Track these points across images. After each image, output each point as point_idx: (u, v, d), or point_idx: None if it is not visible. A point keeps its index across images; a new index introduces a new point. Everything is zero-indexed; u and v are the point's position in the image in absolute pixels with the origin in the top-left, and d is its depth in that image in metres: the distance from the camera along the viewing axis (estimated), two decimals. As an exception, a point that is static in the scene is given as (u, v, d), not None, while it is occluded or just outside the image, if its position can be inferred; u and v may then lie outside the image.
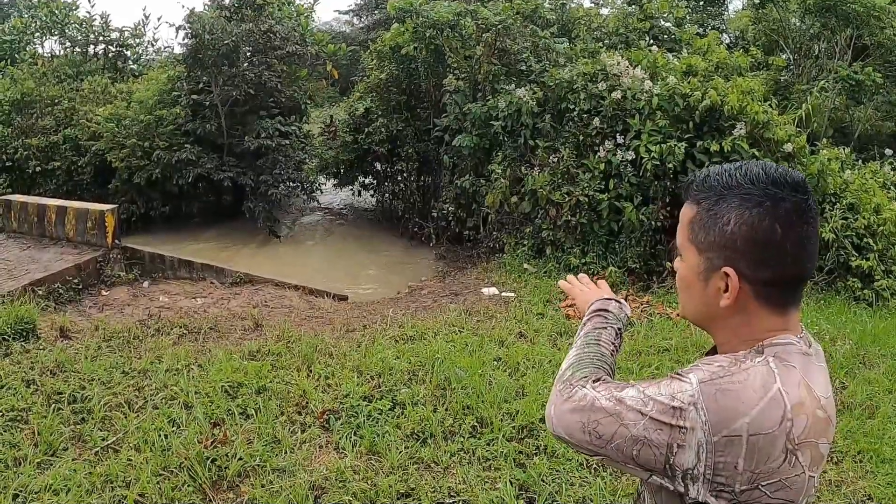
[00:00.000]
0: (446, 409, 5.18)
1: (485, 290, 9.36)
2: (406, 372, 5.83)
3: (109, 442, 4.71)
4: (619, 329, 1.83)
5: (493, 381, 5.67)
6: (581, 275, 2.18)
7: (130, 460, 4.43)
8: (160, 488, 4.16)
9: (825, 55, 15.29)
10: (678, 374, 1.40)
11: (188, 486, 4.19)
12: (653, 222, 9.92)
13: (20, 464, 4.42)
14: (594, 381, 1.55)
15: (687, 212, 1.54)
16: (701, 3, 21.17)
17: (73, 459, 4.49)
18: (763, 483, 1.32)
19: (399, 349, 6.42)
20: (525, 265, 10.29)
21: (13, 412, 5.04)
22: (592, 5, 17.88)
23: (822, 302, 8.87)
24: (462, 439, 4.80)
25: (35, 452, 4.53)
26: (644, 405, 1.39)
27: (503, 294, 9.11)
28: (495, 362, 6.18)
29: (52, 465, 4.43)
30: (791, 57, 15.79)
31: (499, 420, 5.00)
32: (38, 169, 15.82)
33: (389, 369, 5.83)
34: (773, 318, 1.46)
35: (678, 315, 8.02)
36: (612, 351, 1.76)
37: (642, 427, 1.37)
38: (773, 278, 1.43)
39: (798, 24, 15.97)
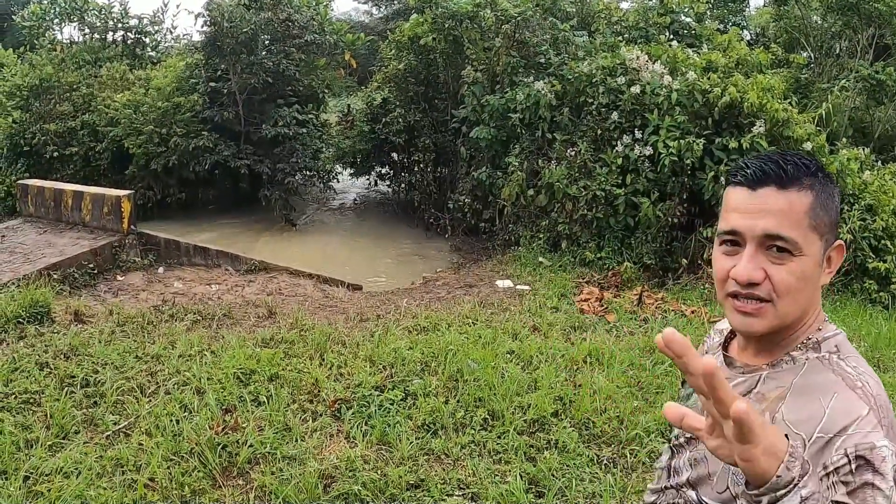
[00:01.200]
0: (458, 401, 5.16)
1: (499, 283, 9.33)
2: (419, 363, 5.81)
3: (121, 426, 4.72)
4: None
5: (506, 373, 5.64)
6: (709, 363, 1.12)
7: (141, 445, 4.43)
8: (170, 473, 4.16)
9: (846, 54, 15.13)
10: (862, 455, 1.22)
11: (198, 471, 4.19)
12: (669, 218, 9.86)
13: (32, 446, 4.44)
14: None
15: (798, 201, 1.41)
16: (722, -1, 21.01)
17: (84, 443, 4.50)
18: None
19: (412, 340, 6.40)
20: (540, 258, 10.24)
21: (26, 395, 5.06)
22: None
23: (838, 304, 8.78)
24: (473, 432, 4.78)
25: (47, 435, 4.54)
26: None
27: (518, 287, 9.08)
28: (508, 355, 6.15)
29: (63, 447, 4.44)
30: (812, 55, 15.64)
31: (510, 413, 4.97)
32: (55, 154, 15.87)
33: (402, 360, 5.81)
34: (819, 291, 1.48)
35: (692, 312, 7.97)
36: None
37: None
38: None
39: (819, 22, 15.80)
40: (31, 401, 5.02)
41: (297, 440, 4.57)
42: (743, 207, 1.42)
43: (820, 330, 1.44)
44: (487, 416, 4.98)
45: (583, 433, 4.91)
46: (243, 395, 5.09)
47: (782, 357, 1.43)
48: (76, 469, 4.17)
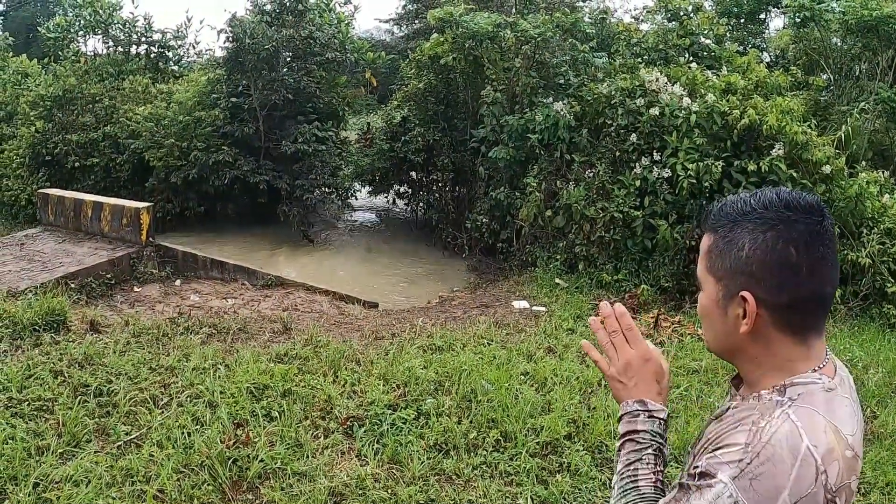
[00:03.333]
0: (471, 422, 5.12)
1: (515, 304, 9.29)
2: (432, 382, 5.78)
3: (132, 436, 4.72)
4: (659, 446, 1.63)
5: (520, 395, 5.60)
6: (607, 308, 1.75)
7: (152, 456, 4.42)
8: (180, 485, 4.14)
9: (866, 76, 15.04)
10: (702, 480, 1.35)
11: (208, 485, 4.17)
12: (687, 241, 9.79)
13: (43, 453, 4.44)
14: None
15: (705, 241, 1.53)
16: (742, 21, 20.95)
17: (95, 452, 4.49)
18: None
19: (426, 359, 6.37)
20: (557, 280, 10.20)
21: (39, 402, 5.07)
22: (632, 20, 17.78)
23: (856, 328, 8.68)
24: (485, 453, 4.74)
25: (58, 443, 4.55)
26: None
27: (534, 308, 9.04)
28: (522, 376, 6.11)
29: (74, 456, 4.44)
30: (831, 77, 15.56)
31: (523, 435, 4.93)
32: (76, 165, 16.01)
33: (416, 379, 5.78)
34: (794, 346, 1.45)
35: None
36: (655, 481, 1.60)
37: None
38: (791, 302, 1.42)
39: (839, 44, 15.73)
40: (44, 408, 5.03)
41: (307, 457, 4.54)
42: None
43: (802, 376, 1.43)
44: (500, 438, 4.94)
45: (595, 456, 4.86)
46: (256, 409, 5.07)
47: (754, 393, 1.47)
48: (86, 478, 4.16)
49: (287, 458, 4.47)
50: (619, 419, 1.68)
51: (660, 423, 1.64)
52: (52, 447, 4.47)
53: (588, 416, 5.31)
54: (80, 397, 5.20)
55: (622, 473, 1.62)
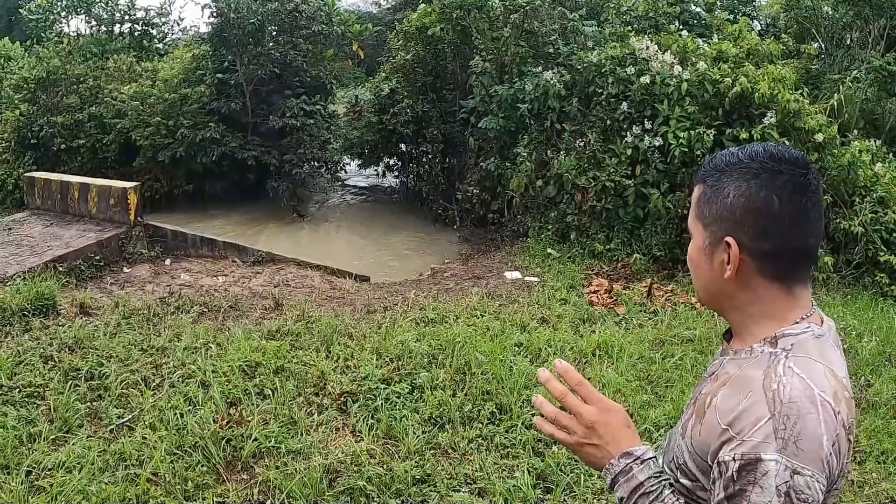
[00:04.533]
0: (465, 395, 5.10)
1: (508, 274, 9.26)
2: (426, 355, 5.75)
3: (125, 420, 4.69)
4: (668, 481, 1.53)
5: (514, 366, 5.57)
6: (561, 365, 1.60)
7: (145, 439, 4.39)
8: (174, 467, 4.11)
9: (857, 45, 14.95)
10: (750, 473, 1.31)
11: (202, 465, 4.15)
12: (679, 210, 9.74)
13: (35, 440, 4.40)
14: None
15: (695, 192, 1.58)
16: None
17: (87, 437, 4.46)
18: (840, 472, 1.37)
19: (420, 332, 6.34)
20: (549, 250, 10.16)
21: (30, 388, 5.03)
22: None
23: (849, 297, 8.66)
24: (480, 426, 4.72)
25: (50, 429, 4.51)
26: None
27: (526, 278, 9.01)
28: (516, 348, 6.09)
29: (66, 442, 4.41)
30: (823, 46, 15.46)
31: (518, 407, 4.91)
32: (62, 147, 15.84)
33: (409, 352, 5.75)
34: (780, 294, 1.48)
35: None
36: None
37: None
38: (774, 250, 1.45)
39: (830, 12, 15.61)
40: (35, 394, 4.99)
41: (302, 434, 4.52)
42: None
43: (792, 327, 1.46)
44: (495, 410, 4.92)
45: (592, 427, 4.83)
46: (248, 388, 5.04)
47: (746, 347, 1.50)
48: (79, 464, 4.13)
49: (281, 437, 4.44)
50: (612, 486, 1.54)
51: (654, 462, 1.54)
52: (44, 434, 4.44)
53: (583, 387, 5.29)
54: (71, 382, 5.16)
55: None
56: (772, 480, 1.28)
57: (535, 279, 8.96)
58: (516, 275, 9.23)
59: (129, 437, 4.45)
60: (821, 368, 1.38)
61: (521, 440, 4.56)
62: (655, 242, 9.77)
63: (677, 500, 1.49)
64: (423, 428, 4.66)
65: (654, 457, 1.55)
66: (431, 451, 4.43)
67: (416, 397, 5.06)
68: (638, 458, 1.51)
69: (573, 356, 5.98)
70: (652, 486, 1.49)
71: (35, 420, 4.62)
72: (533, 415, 4.80)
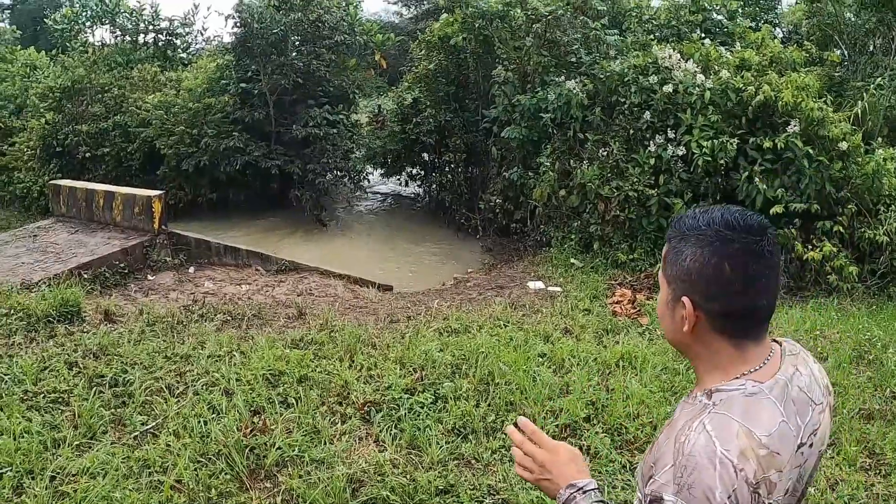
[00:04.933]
0: (489, 405, 5.07)
1: (530, 284, 9.22)
2: (449, 365, 5.72)
3: (149, 427, 4.69)
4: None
5: (538, 377, 5.53)
6: (524, 421, 1.96)
7: (169, 446, 4.39)
8: (197, 475, 4.11)
9: (880, 51, 14.81)
10: (655, 499, 1.52)
11: (226, 473, 4.14)
12: (703, 219, 9.64)
13: (59, 445, 4.42)
14: None
15: (665, 248, 1.71)
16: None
17: (111, 443, 4.47)
18: None
19: (443, 342, 6.32)
20: (572, 259, 10.11)
21: (55, 394, 5.05)
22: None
23: (874, 307, 8.54)
24: (504, 436, 4.68)
25: (74, 435, 4.52)
26: None
27: (549, 288, 8.97)
28: (540, 358, 6.04)
29: (90, 447, 4.42)
30: (846, 53, 15.31)
31: (542, 418, 4.87)
32: (87, 155, 16.03)
33: (432, 362, 5.72)
34: (730, 349, 1.62)
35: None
36: None
37: None
38: (723, 311, 1.59)
39: (853, 19, 15.48)
40: (60, 400, 5.01)
41: (325, 443, 4.50)
42: None
43: (730, 382, 1.60)
44: (519, 421, 4.88)
45: (615, 439, 4.80)
46: (272, 396, 5.04)
47: (695, 393, 1.66)
48: (103, 469, 4.14)
49: (305, 445, 4.43)
50: None
51: (595, 492, 1.79)
52: (68, 439, 4.45)
53: (607, 398, 5.25)
54: (95, 388, 5.18)
55: None
56: None
57: (558, 289, 8.91)
58: (539, 285, 9.19)
59: (153, 443, 4.45)
60: (735, 427, 1.50)
61: (545, 451, 4.52)
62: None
63: None
64: (446, 438, 4.63)
65: (597, 488, 1.81)
66: (455, 462, 4.40)
67: (440, 407, 5.03)
68: (580, 488, 1.78)
69: (597, 367, 5.93)
70: None
71: (60, 425, 4.64)
72: (557, 426, 4.78)
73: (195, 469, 4.15)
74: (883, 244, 9.11)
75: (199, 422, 4.64)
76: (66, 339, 6.18)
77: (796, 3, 21.60)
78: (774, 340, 1.73)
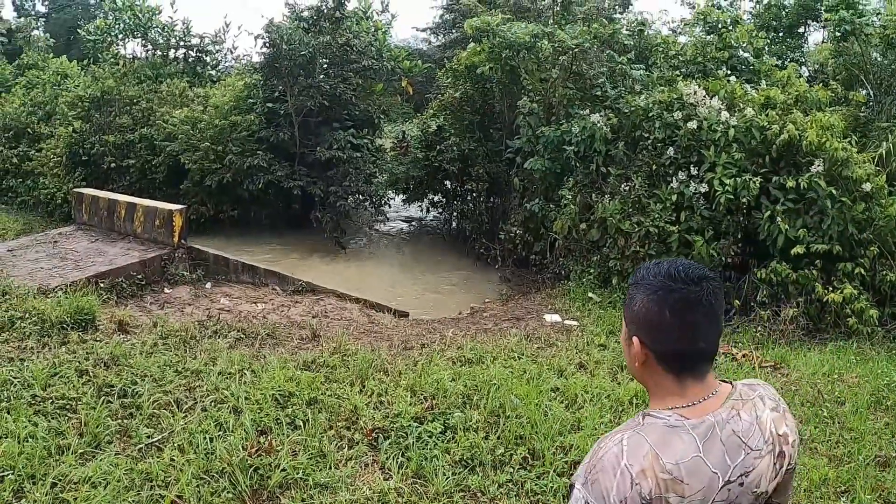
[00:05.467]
0: (498, 438, 4.98)
1: (547, 317, 9.14)
2: (460, 395, 5.64)
3: (154, 440, 4.64)
4: None
5: (549, 412, 5.44)
6: None
7: (173, 460, 4.34)
8: (199, 492, 4.05)
9: (904, 92, 14.73)
10: (571, 486, 1.76)
11: (228, 492, 4.08)
12: (723, 258, 9.59)
13: (63, 453, 4.38)
14: None
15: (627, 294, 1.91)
16: (780, 34, 20.68)
17: (115, 454, 4.42)
18: None
19: (456, 371, 6.25)
20: (590, 294, 10.03)
21: (63, 401, 5.03)
22: (670, 33, 17.58)
23: (894, 352, 8.37)
24: (512, 470, 4.59)
25: (79, 443, 4.49)
26: None
27: (566, 322, 8.88)
28: (552, 392, 5.95)
29: (94, 457, 4.38)
30: (871, 93, 15.23)
31: (551, 454, 4.77)
32: (112, 165, 16.18)
33: (444, 391, 5.65)
34: (672, 383, 1.82)
35: (744, 355, 7.69)
36: None
37: None
38: (665, 351, 1.80)
39: (879, 59, 15.43)
40: (67, 407, 4.98)
41: (330, 467, 4.43)
42: None
43: (659, 411, 1.81)
44: (528, 455, 4.79)
45: (627, 478, 4.68)
46: (280, 417, 4.98)
47: (639, 414, 1.85)
48: (105, 480, 4.09)
49: (309, 469, 4.36)
50: None
51: None
52: (73, 447, 4.42)
53: (619, 436, 5.13)
54: (103, 397, 5.15)
55: None
56: (573, 499, 1.73)
57: (575, 323, 8.83)
58: (556, 318, 9.10)
59: (157, 457, 4.41)
60: (645, 448, 1.72)
61: (552, 487, 4.43)
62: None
63: None
64: (453, 469, 4.55)
65: None
66: (461, 494, 4.32)
67: (448, 437, 4.95)
68: None
69: (609, 404, 5.83)
70: None
71: (65, 433, 4.61)
72: (567, 463, 4.69)
73: (197, 485, 4.10)
74: (905, 288, 8.98)
75: (204, 438, 4.59)
76: (79, 346, 6.17)
77: (823, 42, 21.58)
78: (730, 382, 1.91)
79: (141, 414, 4.97)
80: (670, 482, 1.71)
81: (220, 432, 4.73)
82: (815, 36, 23.01)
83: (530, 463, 4.74)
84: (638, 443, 1.74)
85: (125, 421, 4.88)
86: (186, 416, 4.99)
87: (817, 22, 20.81)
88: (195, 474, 4.18)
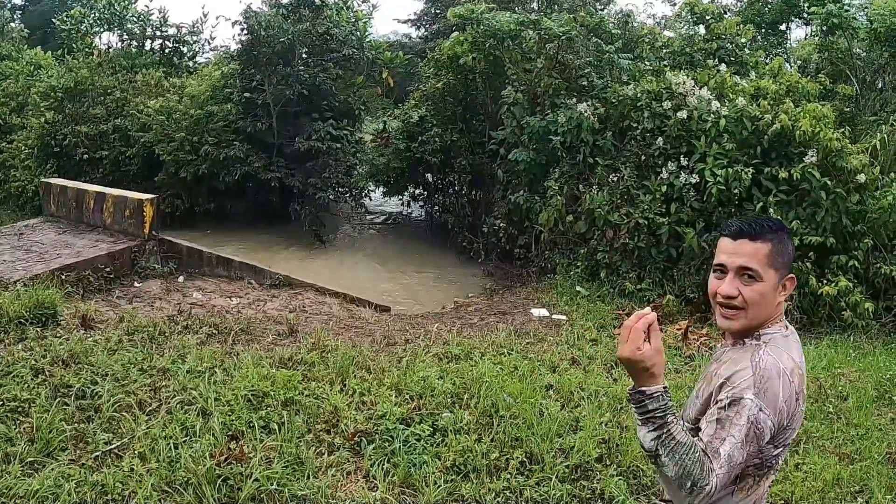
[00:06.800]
0: (492, 440, 4.60)
1: (534, 311, 8.80)
2: (449, 394, 5.28)
3: (113, 446, 4.24)
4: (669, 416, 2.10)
5: (545, 411, 5.07)
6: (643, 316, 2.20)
7: (132, 470, 3.93)
8: (160, 507, 3.64)
9: (890, 88, 14.60)
10: (734, 406, 2.08)
11: (193, 507, 3.68)
12: (714, 251, 9.26)
13: (10, 461, 3.96)
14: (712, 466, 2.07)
15: (761, 248, 2.23)
16: (763, 30, 20.55)
17: (69, 462, 4.01)
18: (789, 424, 2.14)
19: (442, 368, 5.89)
20: (577, 287, 9.69)
21: (14, 402, 4.63)
22: (655, 24, 17.32)
23: (892, 346, 8.12)
24: (509, 476, 4.23)
25: (29, 450, 4.08)
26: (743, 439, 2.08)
27: (554, 316, 8.54)
28: (547, 390, 5.60)
29: (44, 466, 3.96)
30: (857, 88, 15.09)
31: (551, 457, 4.41)
32: (85, 157, 15.67)
33: (431, 390, 5.28)
34: (781, 304, 2.26)
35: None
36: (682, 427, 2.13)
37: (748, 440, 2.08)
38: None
39: (863, 54, 15.31)
40: (19, 409, 4.58)
41: (308, 477, 4.03)
42: (727, 250, 2.27)
43: (769, 329, 2.23)
44: (525, 459, 4.42)
45: (630, 482, 4.37)
46: (253, 420, 4.56)
47: (740, 342, 2.27)
48: (54, 493, 3.68)
49: (285, 478, 3.96)
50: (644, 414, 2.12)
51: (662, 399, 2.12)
52: (22, 455, 4.00)
53: (621, 437, 4.79)
54: (59, 399, 4.73)
55: (662, 438, 2.06)
56: (746, 412, 2.05)
57: (563, 317, 8.50)
58: (543, 312, 8.76)
59: (116, 465, 4.00)
60: (784, 354, 2.17)
61: (553, 495, 4.06)
62: (689, 283, 9.31)
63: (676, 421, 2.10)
64: (444, 476, 4.17)
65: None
66: (453, 504, 3.95)
67: (438, 441, 4.56)
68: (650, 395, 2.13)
69: (607, 402, 5.49)
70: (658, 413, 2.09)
71: (14, 439, 4.19)
72: (568, 466, 4.32)
73: (159, 499, 3.68)
74: (899, 278, 8.74)
75: (168, 445, 4.17)
76: (37, 343, 5.76)
77: (806, 37, 21.45)
78: None
79: (100, 417, 4.56)
80: (802, 378, 2.20)
81: (186, 438, 4.31)
82: (798, 33, 22.96)
83: (528, 468, 4.37)
84: (778, 352, 2.17)
85: (82, 425, 4.47)
86: (150, 419, 4.58)
87: (800, 18, 20.73)
88: (156, 486, 3.77)
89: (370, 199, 16.76)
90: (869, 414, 5.78)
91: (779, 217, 8.93)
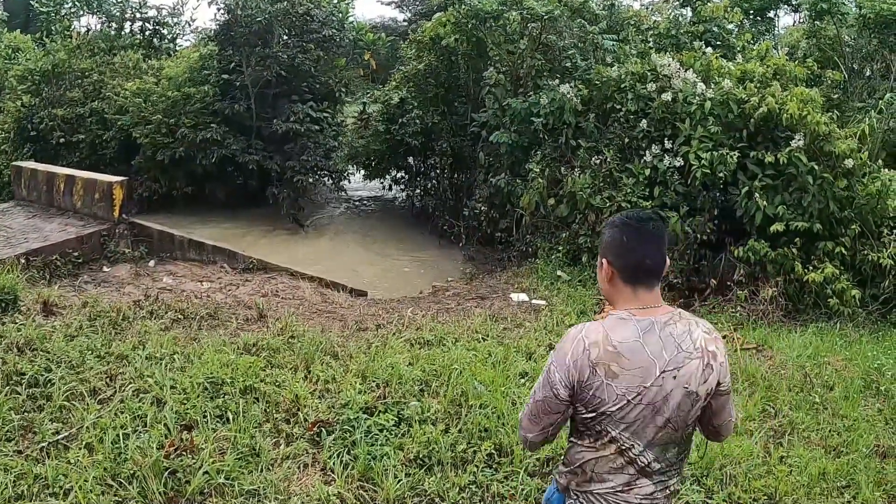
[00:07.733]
0: (460, 431, 4.42)
1: (514, 296, 8.63)
2: (418, 382, 5.09)
3: (61, 436, 4.03)
4: None
5: (518, 400, 4.88)
6: None
7: (77, 462, 3.72)
8: (99, 501, 3.43)
9: (878, 75, 14.49)
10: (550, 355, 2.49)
11: (136, 501, 3.47)
12: (698, 235, 9.17)
13: (-51, 455, 3.74)
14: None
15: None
16: (751, 15, 20.43)
17: (13, 453, 3.80)
18: (585, 386, 2.32)
19: (413, 354, 5.69)
20: (559, 272, 9.53)
21: (-39, 391, 4.38)
22: (641, 7, 17.12)
23: (879, 334, 8.01)
24: (475, 469, 4.04)
25: (-30, 442, 3.85)
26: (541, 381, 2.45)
27: (533, 301, 8.37)
28: (521, 378, 5.42)
29: (-16, 459, 3.74)
30: (845, 74, 14.98)
31: (521, 450, 4.22)
32: (62, 140, 15.33)
33: (399, 377, 5.08)
34: (629, 293, 2.40)
35: (724, 337, 7.21)
36: None
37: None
38: (623, 265, 2.40)
39: (852, 41, 15.20)
40: (-34, 399, 4.33)
41: (262, 469, 3.84)
42: None
43: (613, 311, 2.44)
44: (493, 452, 4.23)
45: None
46: (208, 409, 4.36)
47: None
48: (-10, 488, 3.46)
49: (237, 471, 3.76)
50: None
51: None
52: (-39, 447, 3.78)
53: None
54: (10, 388, 4.51)
55: None
56: (547, 362, 2.40)
57: (543, 302, 8.33)
58: (523, 297, 8.59)
59: (61, 457, 3.79)
60: (600, 330, 2.34)
61: (522, 490, 3.87)
62: (672, 269, 9.13)
63: None
64: (406, 469, 3.98)
65: None
66: (415, 500, 3.75)
67: (402, 431, 4.37)
68: None
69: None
70: None
71: (-44, 431, 3.97)
72: (538, 460, 4.14)
73: (101, 493, 3.48)
74: (886, 268, 8.60)
75: (118, 434, 3.96)
76: (-8, 329, 5.51)
77: (794, 24, 21.32)
78: (677, 310, 2.44)
79: (50, 406, 4.35)
80: (614, 354, 2.29)
81: (138, 427, 4.11)
82: (786, 20, 22.85)
83: (496, 461, 4.18)
84: (595, 328, 2.36)
85: (31, 414, 4.26)
86: (102, 408, 4.37)
87: (788, 5, 20.63)
88: (100, 479, 3.57)
89: (350, 183, 16.51)
90: (856, 404, 5.65)
91: (765, 202, 8.83)
